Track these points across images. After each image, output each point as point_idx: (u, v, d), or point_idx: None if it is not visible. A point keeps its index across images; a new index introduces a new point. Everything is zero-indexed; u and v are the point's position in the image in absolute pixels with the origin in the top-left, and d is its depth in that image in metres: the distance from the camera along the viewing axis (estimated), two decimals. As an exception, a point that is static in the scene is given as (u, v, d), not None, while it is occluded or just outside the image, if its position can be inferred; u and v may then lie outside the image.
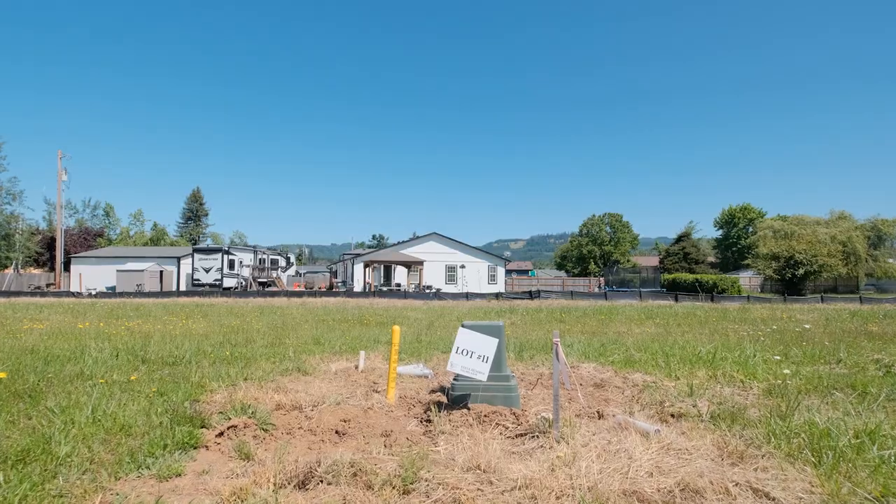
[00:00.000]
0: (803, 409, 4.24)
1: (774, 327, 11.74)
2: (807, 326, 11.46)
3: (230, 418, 4.20)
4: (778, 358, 6.77)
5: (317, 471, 3.11)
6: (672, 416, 4.38)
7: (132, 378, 5.50)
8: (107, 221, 67.65)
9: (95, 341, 8.48)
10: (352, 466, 3.14)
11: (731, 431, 3.74)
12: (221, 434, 3.95)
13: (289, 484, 3.04)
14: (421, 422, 4.41)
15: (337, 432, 4.11)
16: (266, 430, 4.11)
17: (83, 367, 6.02)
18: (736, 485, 2.86)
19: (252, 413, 4.34)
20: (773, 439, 3.47)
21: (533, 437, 3.81)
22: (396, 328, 5.20)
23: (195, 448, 3.64)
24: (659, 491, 2.85)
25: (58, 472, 3.06)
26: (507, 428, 4.12)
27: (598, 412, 4.47)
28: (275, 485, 2.99)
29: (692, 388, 5.10)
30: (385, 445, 3.76)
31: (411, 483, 2.97)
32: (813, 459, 3.11)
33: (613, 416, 4.30)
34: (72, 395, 4.71)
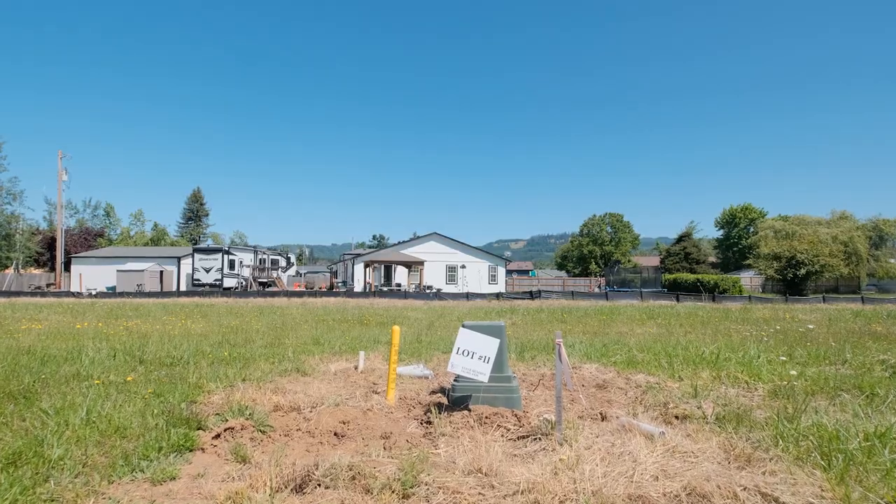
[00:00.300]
0: (811, 410, 4.16)
1: (778, 327, 11.65)
2: (810, 327, 11.37)
3: (227, 420, 4.13)
4: (784, 359, 6.69)
5: (314, 474, 3.04)
6: (676, 417, 4.30)
7: (128, 379, 5.43)
8: (107, 221, 67.67)
9: (93, 341, 8.42)
10: (350, 469, 3.07)
11: (737, 434, 3.67)
12: (218, 436, 3.88)
13: (286, 488, 2.97)
14: (421, 423, 4.34)
15: (336, 434, 4.04)
16: (263, 432, 4.05)
17: (79, 368, 5.96)
18: (744, 489, 2.79)
19: (249, 415, 4.28)
20: (780, 442, 3.40)
21: (535, 439, 3.74)
22: (396, 328, 5.13)
23: (191, 450, 3.57)
24: (665, 495, 2.78)
25: (50, 475, 3.00)
26: (508, 430, 4.05)
27: (601, 414, 4.40)
28: (271, 489, 2.93)
29: (696, 390, 5.02)
30: (384, 448, 3.69)
31: (411, 487, 2.90)
32: (822, 463, 3.04)
33: (617, 417, 4.22)
34: (67, 396, 4.65)
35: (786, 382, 5.28)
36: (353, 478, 3.01)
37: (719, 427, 3.88)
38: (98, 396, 4.62)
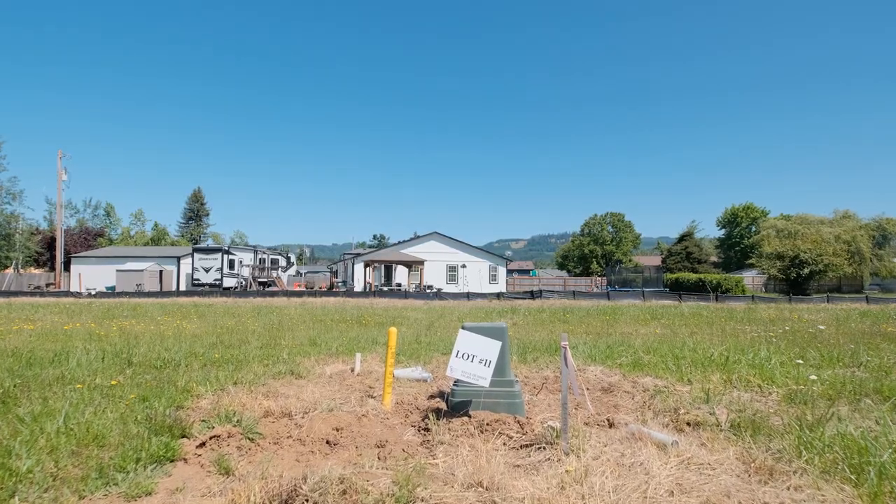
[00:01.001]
0: (833, 418, 3.92)
1: (787, 328, 11.40)
2: (821, 328, 11.11)
3: (213, 427, 3.91)
4: (800, 361, 6.44)
5: (302, 488, 2.81)
6: (688, 424, 4.07)
7: (113, 383, 5.21)
8: (107, 221, 67.54)
9: (83, 343, 8.21)
10: (341, 483, 2.84)
11: (755, 443, 3.44)
12: (203, 445, 3.66)
13: (270, 504, 2.74)
14: (418, 430, 4.12)
15: (328, 442, 3.82)
16: (252, 440, 3.82)
17: (64, 371, 5.74)
18: (769, 507, 2.56)
19: (238, 421, 4.05)
20: (804, 453, 3.16)
21: (539, 448, 3.51)
22: (393, 330, 4.89)
23: (172, 461, 3.35)
24: (682, 513, 2.55)
25: (16, 489, 2.78)
26: (511, 438, 3.82)
27: (608, 420, 4.17)
28: (254, 505, 2.70)
29: (708, 394, 4.79)
30: (379, 458, 3.47)
31: (406, 503, 2.67)
32: (852, 477, 2.80)
33: (625, 424, 3.99)
34: (48, 401, 4.43)
35: (802, 386, 5.04)
36: (344, 492, 2.78)
37: (735, 435, 3.65)
38: (80, 401, 4.40)
